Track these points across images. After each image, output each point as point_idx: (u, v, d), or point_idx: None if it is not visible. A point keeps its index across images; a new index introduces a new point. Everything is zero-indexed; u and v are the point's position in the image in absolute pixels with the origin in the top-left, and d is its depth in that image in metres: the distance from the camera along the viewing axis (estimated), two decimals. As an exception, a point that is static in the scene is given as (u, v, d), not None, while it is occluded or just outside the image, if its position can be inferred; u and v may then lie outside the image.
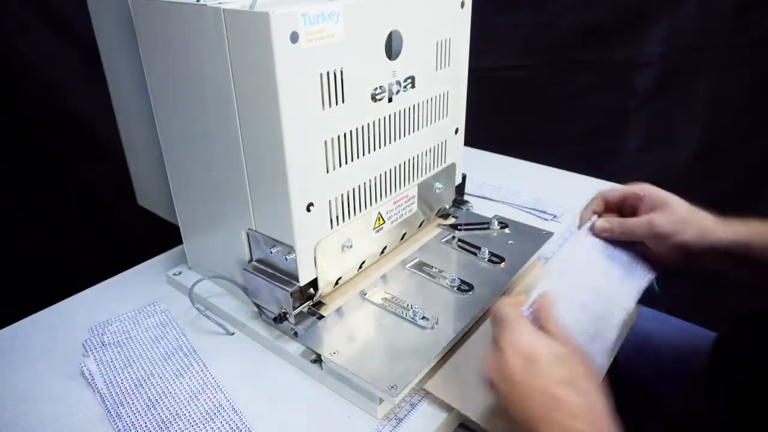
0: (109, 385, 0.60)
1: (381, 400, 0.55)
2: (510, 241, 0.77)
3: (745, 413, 0.59)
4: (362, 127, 0.61)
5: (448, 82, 0.72)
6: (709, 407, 0.67)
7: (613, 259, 0.57)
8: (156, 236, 0.82)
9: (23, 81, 1.04)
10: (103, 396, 0.59)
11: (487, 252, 0.74)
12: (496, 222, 0.80)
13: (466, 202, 0.87)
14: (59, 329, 0.69)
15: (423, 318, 0.62)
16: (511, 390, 0.43)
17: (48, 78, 1.05)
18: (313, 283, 0.63)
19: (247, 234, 0.63)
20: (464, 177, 0.84)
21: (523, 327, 0.45)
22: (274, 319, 0.62)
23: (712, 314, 0.83)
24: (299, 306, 0.62)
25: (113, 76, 0.74)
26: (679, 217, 0.56)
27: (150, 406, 0.57)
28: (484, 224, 0.81)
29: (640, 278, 0.56)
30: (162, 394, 0.59)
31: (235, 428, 0.55)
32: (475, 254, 0.75)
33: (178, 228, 0.75)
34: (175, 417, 0.56)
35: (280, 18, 0.48)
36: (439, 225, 0.82)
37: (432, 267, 0.72)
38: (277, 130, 0.52)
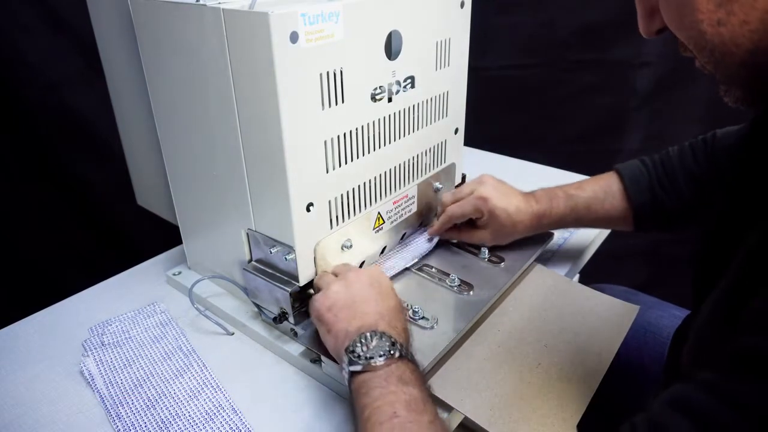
0: (109, 385, 0.60)
1: (381, 400, 0.55)
2: (510, 241, 0.77)
3: None
4: (362, 127, 0.61)
5: (448, 82, 0.72)
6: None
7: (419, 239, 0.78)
8: (156, 236, 0.82)
9: (23, 81, 1.04)
10: (103, 396, 0.59)
11: (486, 252, 0.74)
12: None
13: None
14: (59, 329, 0.69)
15: (423, 318, 0.62)
16: (333, 310, 0.55)
17: (48, 78, 1.05)
18: (313, 284, 0.63)
19: (247, 234, 0.63)
20: (464, 177, 0.84)
21: (326, 274, 0.61)
22: (274, 319, 0.62)
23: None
24: (299, 306, 0.62)
25: (113, 76, 0.74)
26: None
27: (150, 406, 0.57)
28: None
29: (429, 243, 0.77)
30: (162, 394, 0.59)
31: (234, 428, 0.55)
32: (475, 254, 0.75)
33: (178, 228, 0.75)
34: (175, 417, 0.56)
35: (280, 18, 0.48)
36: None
37: (432, 267, 0.72)
38: (277, 130, 0.52)
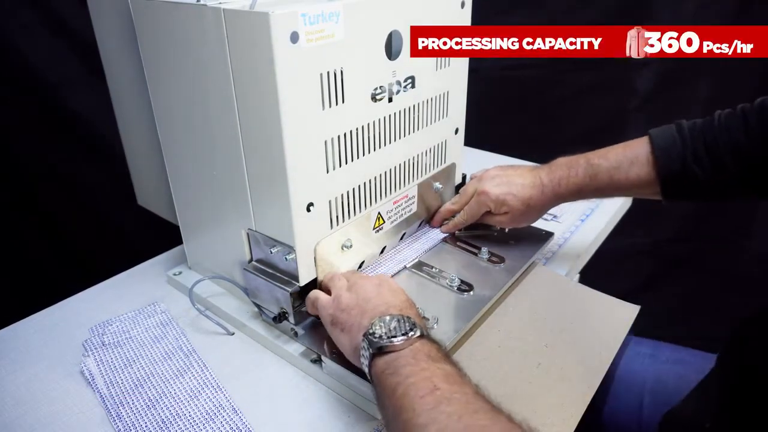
0: (109, 385, 0.60)
1: (381, 400, 0.55)
2: (510, 241, 0.77)
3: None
4: (362, 127, 0.61)
5: (448, 82, 0.72)
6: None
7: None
8: (156, 236, 0.82)
9: (24, 82, 1.04)
10: (103, 396, 0.59)
11: (487, 252, 0.74)
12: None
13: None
14: (59, 329, 0.69)
15: (423, 318, 0.62)
16: (346, 311, 0.55)
17: (48, 79, 1.05)
18: (313, 283, 0.63)
19: (247, 234, 0.63)
20: (464, 177, 0.84)
21: (339, 278, 0.61)
22: (274, 319, 0.62)
23: (718, 314, 0.80)
24: (299, 306, 0.62)
25: (113, 77, 0.74)
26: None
27: (150, 406, 0.57)
28: (484, 224, 0.81)
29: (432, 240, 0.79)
30: (162, 394, 0.59)
31: (235, 428, 0.55)
32: (475, 254, 0.75)
33: (178, 228, 0.75)
34: (175, 417, 0.56)
35: (280, 18, 0.48)
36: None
37: (432, 267, 0.72)
38: (277, 130, 0.52)
